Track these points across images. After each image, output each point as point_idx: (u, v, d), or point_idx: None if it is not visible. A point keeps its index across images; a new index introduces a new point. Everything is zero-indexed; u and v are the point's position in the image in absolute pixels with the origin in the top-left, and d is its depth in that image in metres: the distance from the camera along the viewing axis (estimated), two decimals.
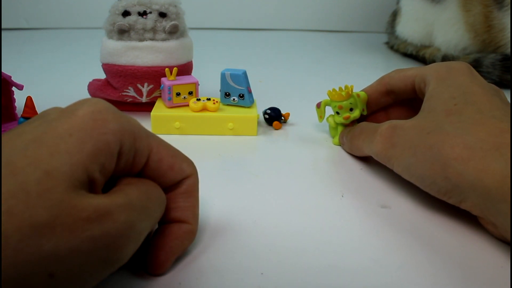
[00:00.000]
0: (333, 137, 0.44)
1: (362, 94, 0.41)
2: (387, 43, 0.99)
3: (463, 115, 0.29)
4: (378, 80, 0.41)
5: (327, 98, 0.42)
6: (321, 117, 0.43)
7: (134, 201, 0.21)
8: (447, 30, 0.75)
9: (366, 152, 0.36)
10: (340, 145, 0.43)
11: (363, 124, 0.39)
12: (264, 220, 0.30)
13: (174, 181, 0.25)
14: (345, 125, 0.42)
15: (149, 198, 0.22)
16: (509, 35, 0.65)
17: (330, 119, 0.43)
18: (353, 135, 0.39)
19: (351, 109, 0.41)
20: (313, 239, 0.28)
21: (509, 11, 0.65)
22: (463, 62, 0.34)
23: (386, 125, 0.33)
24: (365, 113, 0.41)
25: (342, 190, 0.34)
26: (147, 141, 0.23)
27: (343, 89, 0.41)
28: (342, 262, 0.26)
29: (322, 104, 0.43)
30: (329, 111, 0.43)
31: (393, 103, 0.41)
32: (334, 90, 0.41)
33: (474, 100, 0.30)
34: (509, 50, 0.66)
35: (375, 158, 0.34)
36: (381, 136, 0.33)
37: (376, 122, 0.42)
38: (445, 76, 0.33)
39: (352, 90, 0.41)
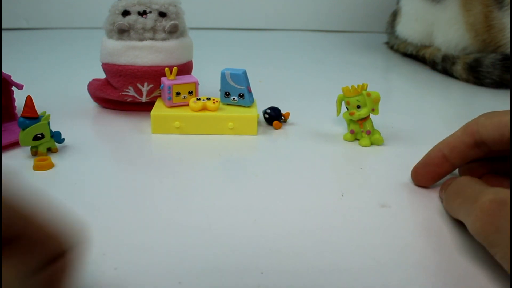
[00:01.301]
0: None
1: (374, 93, 0.41)
2: (387, 43, 0.99)
3: None
4: (463, 128, 0.32)
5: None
6: (337, 111, 0.44)
7: None
8: (447, 30, 0.75)
9: (463, 221, 0.27)
10: (351, 140, 0.44)
11: (462, 180, 0.29)
12: (264, 219, 0.30)
13: (47, 258, 0.18)
14: (356, 122, 0.43)
15: None
16: (508, 35, 0.65)
17: (345, 114, 0.43)
18: (449, 194, 0.30)
19: (358, 107, 0.41)
20: (313, 238, 0.28)
21: (509, 11, 0.65)
22: None
23: (489, 197, 0.24)
24: (376, 113, 0.42)
25: (342, 190, 0.34)
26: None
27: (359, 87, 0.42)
28: (342, 261, 0.26)
29: (337, 99, 0.43)
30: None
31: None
32: (352, 86, 0.42)
33: None
34: (508, 50, 0.66)
35: (472, 235, 0.26)
36: (482, 212, 0.24)
37: (472, 173, 0.34)
38: None
39: (363, 88, 0.41)
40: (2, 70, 0.43)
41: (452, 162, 0.33)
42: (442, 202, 0.33)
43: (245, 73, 0.45)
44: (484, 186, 0.26)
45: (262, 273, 0.25)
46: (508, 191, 0.24)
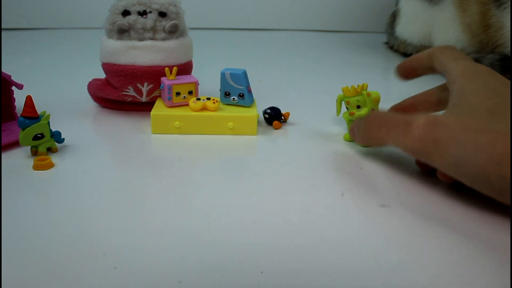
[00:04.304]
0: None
1: (374, 94, 0.41)
2: (386, 43, 0.99)
3: (506, 115, 0.29)
4: (427, 51, 0.41)
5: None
6: (337, 111, 0.44)
7: None
8: (445, 30, 0.75)
9: (392, 144, 0.34)
10: (351, 140, 0.43)
11: (382, 113, 0.36)
12: (264, 219, 0.30)
13: None
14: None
15: None
16: (507, 34, 0.65)
17: (345, 114, 0.43)
18: (371, 125, 0.36)
19: (358, 107, 0.41)
20: (313, 238, 0.28)
21: (508, 9, 0.65)
22: (483, 65, 0.35)
23: (423, 119, 0.31)
24: None
25: (342, 189, 0.34)
26: None
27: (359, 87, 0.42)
28: (342, 261, 0.26)
29: (337, 99, 0.43)
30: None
31: (420, 94, 0.42)
32: (352, 86, 0.42)
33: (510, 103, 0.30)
34: (506, 49, 0.66)
35: (407, 152, 0.32)
36: (418, 130, 0.31)
37: (402, 111, 0.42)
38: (473, 76, 0.33)
39: (363, 88, 0.41)
40: (2, 70, 0.43)
41: (413, 71, 0.42)
42: (354, 138, 0.40)
43: (245, 73, 0.45)
44: (406, 115, 0.33)
45: (262, 272, 0.25)
46: (436, 115, 0.31)
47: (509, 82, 0.33)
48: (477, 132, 0.29)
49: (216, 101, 0.44)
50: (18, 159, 0.38)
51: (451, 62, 0.37)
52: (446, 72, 0.37)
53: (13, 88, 0.45)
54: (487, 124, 0.29)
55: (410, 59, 0.42)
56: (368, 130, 0.37)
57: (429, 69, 0.41)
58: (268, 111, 0.47)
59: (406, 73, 0.43)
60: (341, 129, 0.47)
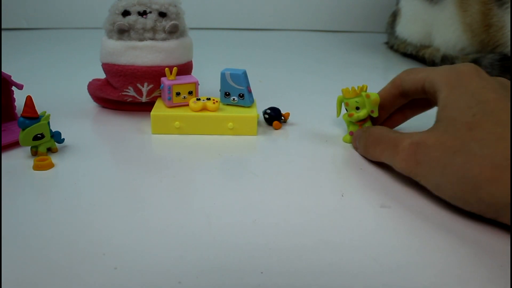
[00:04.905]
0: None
1: (373, 95, 0.41)
2: (386, 43, 0.99)
3: (484, 129, 0.29)
4: (391, 82, 0.41)
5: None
6: (337, 112, 0.44)
7: None
8: (446, 30, 0.75)
9: (386, 162, 0.36)
10: (350, 141, 0.43)
11: (377, 131, 0.38)
12: (264, 219, 0.30)
13: None
14: (355, 124, 0.43)
15: None
16: (508, 33, 0.65)
17: (345, 116, 0.43)
18: (368, 143, 0.39)
19: (357, 108, 0.41)
20: (312, 238, 0.28)
21: (509, 9, 0.64)
22: (470, 63, 0.35)
23: (408, 142, 0.33)
24: (375, 115, 0.41)
25: (342, 190, 0.34)
26: None
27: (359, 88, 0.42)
28: (341, 261, 0.26)
29: (337, 100, 0.43)
30: None
31: (408, 102, 0.42)
32: (352, 88, 0.42)
33: (491, 110, 0.30)
34: (507, 49, 0.66)
35: (398, 171, 0.34)
36: (403, 153, 0.33)
37: (393, 122, 0.44)
38: (455, 82, 0.33)
39: (362, 90, 0.41)
40: (2, 70, 0.43)
41: (385, 109, 0.42)
42: (356, 150, 0.42)
43: (245, 73, 0.45)
44: (398, 133, 0.35)
45: (262, 273, 0.25)
46: (420, 135, 0.32)
47: (492, 79, 0.33)
48: (455, 154, 0.29)
49: (216, 101, 0.44)
50: (18, 159, 0.38)
51: (430, 72, 0.36)
52: (426, 81, 0.36)
53: (13, 88, 0.45)
54: (465, 144, 0.29)
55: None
56: (367, 147, 0.39)
57: (399, 97, 0.41)
58: (268, 111, 0.47)
59: (382, 117, 0.43)
60: (341, 130, 0.47)
